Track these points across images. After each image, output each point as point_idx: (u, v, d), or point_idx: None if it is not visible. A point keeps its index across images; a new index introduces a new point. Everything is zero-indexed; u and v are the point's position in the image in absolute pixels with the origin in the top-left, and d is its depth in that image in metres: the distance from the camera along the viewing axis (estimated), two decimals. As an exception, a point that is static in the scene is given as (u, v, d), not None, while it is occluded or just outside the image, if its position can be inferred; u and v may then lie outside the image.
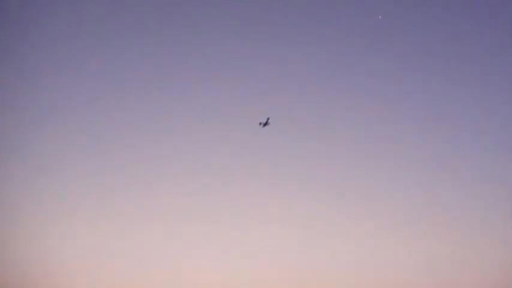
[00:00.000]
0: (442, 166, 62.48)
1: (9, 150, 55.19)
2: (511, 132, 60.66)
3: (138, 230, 56.33)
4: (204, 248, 55.78)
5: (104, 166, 60.32)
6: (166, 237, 55.55)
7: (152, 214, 57.65)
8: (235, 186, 60.74)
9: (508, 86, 63.05)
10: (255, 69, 67.04)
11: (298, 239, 57.06)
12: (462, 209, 58.53)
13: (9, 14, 56.95)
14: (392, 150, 63.80)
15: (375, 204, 60.04)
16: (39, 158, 57.82)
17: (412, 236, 56.66)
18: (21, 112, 58.15)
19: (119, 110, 63.88)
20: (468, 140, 62.63)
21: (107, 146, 61.27)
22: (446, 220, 57.91)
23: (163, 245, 54.86)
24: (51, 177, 57.48)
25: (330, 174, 62.23)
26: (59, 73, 62.20)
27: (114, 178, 59.67)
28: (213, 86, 66.52)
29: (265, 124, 51.52)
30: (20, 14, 57.52)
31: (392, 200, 60.17)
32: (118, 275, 51.33)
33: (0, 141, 54.94)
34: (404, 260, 54.81)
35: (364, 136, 64.88)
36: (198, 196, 59.80)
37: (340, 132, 64.95)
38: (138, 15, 64.84)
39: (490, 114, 63.14)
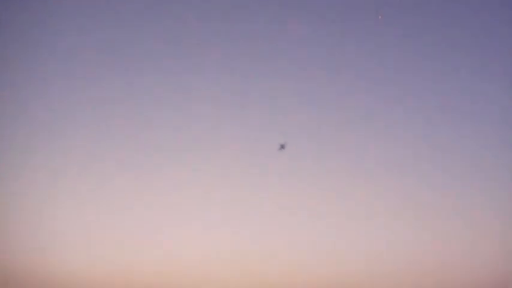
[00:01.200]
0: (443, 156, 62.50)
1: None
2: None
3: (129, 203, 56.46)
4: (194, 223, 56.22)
5: (93, 135, 59.98)
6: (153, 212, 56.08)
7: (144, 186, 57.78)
8: (226, 162, 60.60)
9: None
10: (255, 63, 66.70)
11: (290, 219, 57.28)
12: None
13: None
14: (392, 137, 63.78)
15: (372, 189, 60.24)
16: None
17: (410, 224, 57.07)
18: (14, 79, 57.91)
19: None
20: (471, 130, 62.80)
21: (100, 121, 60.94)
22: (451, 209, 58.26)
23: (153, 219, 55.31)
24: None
25: (326, 155, 62.05)
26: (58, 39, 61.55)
27: (105, 148, 59.50)
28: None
29: (282, 147, 52.58)
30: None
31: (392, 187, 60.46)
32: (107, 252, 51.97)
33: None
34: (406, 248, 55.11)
35: (363, 126, 64.51)
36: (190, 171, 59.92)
37: (336, 119, 64.70)
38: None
39: (490, 106, 63.17)
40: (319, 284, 52.07)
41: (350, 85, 65.22)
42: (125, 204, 55.33)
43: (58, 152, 57.15)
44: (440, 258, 53.03)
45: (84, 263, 50.15)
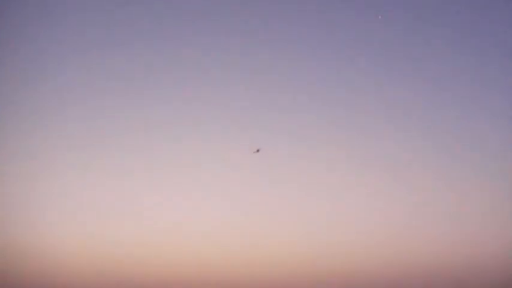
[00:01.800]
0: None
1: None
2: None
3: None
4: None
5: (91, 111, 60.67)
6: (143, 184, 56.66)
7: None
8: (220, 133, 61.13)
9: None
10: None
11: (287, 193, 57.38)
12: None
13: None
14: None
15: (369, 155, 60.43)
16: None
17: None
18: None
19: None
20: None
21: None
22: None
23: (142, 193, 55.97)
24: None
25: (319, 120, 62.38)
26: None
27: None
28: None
29: (257, 151, 54.59)
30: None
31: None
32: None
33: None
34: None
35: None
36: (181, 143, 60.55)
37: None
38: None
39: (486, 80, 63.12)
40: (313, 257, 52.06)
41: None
42: (120, 178, 56.24)
43: (54, 125, 58.24)
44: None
45: (78, 236, 50.82)
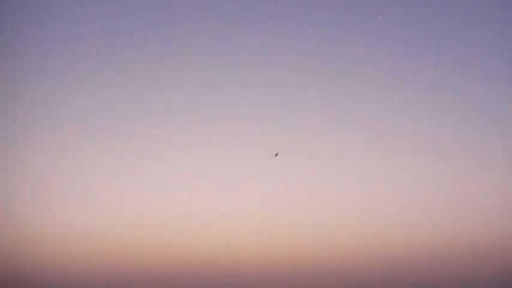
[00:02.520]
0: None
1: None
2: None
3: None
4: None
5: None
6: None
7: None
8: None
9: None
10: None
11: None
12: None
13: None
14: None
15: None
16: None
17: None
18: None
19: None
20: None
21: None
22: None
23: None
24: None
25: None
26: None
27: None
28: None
29: (276, 155, 55.54)
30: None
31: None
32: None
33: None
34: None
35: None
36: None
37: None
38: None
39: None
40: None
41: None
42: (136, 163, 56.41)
43: (65, 112, 58.14)
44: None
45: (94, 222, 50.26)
